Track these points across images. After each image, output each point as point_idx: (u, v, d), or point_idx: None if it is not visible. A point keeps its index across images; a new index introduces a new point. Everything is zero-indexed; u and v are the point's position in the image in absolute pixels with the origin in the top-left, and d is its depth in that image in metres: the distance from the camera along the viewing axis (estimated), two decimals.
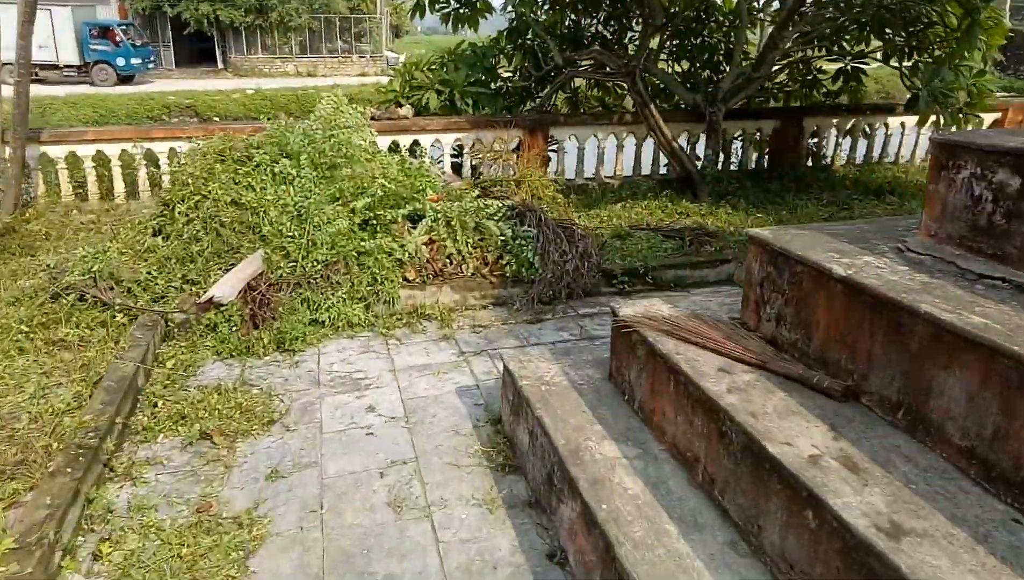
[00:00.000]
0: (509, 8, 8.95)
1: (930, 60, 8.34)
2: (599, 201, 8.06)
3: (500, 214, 5.83)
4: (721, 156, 8.99)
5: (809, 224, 3.05)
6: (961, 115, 8.18)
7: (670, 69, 9.89)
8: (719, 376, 2.70)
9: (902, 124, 9.99)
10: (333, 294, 5.07)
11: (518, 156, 8.22)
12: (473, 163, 8.23)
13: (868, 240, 2.88)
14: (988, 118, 9.80)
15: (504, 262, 5.64)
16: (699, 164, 8.72)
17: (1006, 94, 28.90)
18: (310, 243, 5.16)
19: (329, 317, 5.00)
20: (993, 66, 8.26)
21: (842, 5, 8.66)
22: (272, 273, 5.05)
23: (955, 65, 8.21)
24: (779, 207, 7.89)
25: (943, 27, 8.27)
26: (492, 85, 9.22)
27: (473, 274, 5.62)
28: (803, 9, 8.36)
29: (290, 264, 5.10)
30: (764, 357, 2.78)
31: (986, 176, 2.44)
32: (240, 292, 4.84)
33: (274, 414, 3.91)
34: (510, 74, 9.78)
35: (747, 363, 2.78)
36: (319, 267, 5.10)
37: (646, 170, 9.30)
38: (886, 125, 10.00)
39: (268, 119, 6.30)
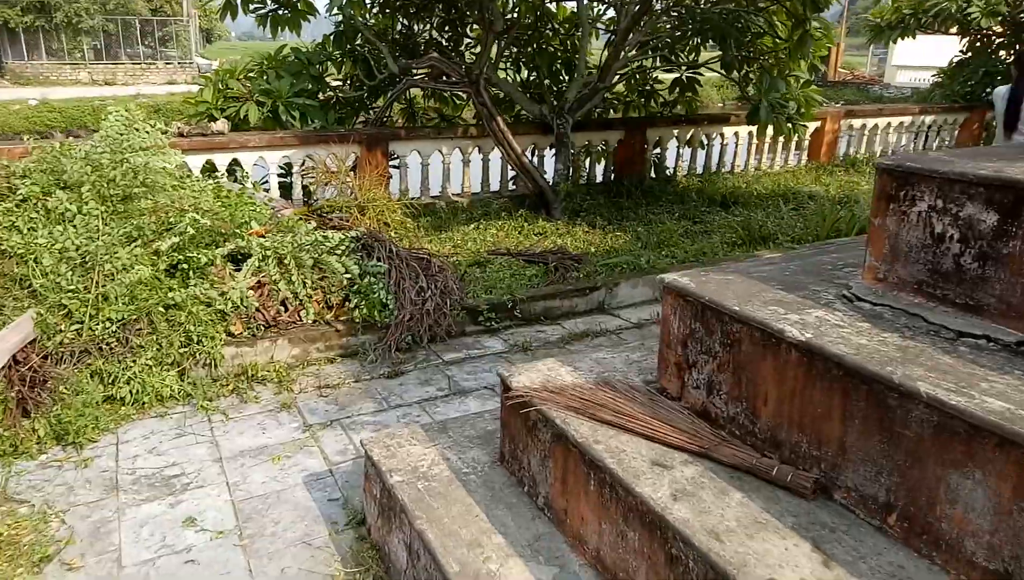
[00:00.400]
0: (335, 10, 8.07)
1: (761, 70, 8.51)
2: (450, 223, 7.40)
3: (344, 247, 5.00)
4: (571, 170, 8.66)
5: (726, 265, 2.59)
6: (790, 124, 8.39)
7: (510, 78, 9.45)
8: (656, 473, 2.12)
9: (735, 134, 10.22)
10: (135, 361, 4.02)
11: (356, 175, 7.38)
12: (305, 184, 7.27)
13: (804, 285, 2.43)
14: (810, 127, 10.27)
15: (352, 305, 4.82)
16: (549, 178, 8.33)
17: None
18: (100, 298, 4.07)
19: (130, 392, 3.95)
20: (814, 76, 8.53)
21: (676, 14, 8.66)
22: (49, 340, 3.91)
23: (785, 75, 8.44)
24: (634, 222, 7.64)
25: (773, 37, 8.47)
26: (321, 95, 8.29)
27: (315, 322, 4.76)
28: (644, 18, 8.22)
29: (74, 327, 3.99)
30: (703, 440, 2.24)
31: (950, 210, 2.04)
32: (2, 369, 3.68)
33: (49, 546, 2.87)
34: (340, 83, 8.88)
35: (685, 450, 2.23)
36: (113, 328, 4.03)
37: (495, 186, 8.78)
38: (722, 135, 10.18)
39: (35, 138, 5.02)
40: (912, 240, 2.15)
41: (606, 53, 8.51)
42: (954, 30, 12.83)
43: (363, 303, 4.80)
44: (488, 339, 5.11)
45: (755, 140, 10.34)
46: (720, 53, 8.76)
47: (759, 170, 10.42)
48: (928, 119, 11.52)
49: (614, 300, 5.71)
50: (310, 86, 8.04)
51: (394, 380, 4.45)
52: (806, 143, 10.79)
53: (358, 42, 8.52)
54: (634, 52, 8.48)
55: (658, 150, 9.83)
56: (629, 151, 9.48)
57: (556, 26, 9.53)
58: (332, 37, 8.45)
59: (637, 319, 5.45)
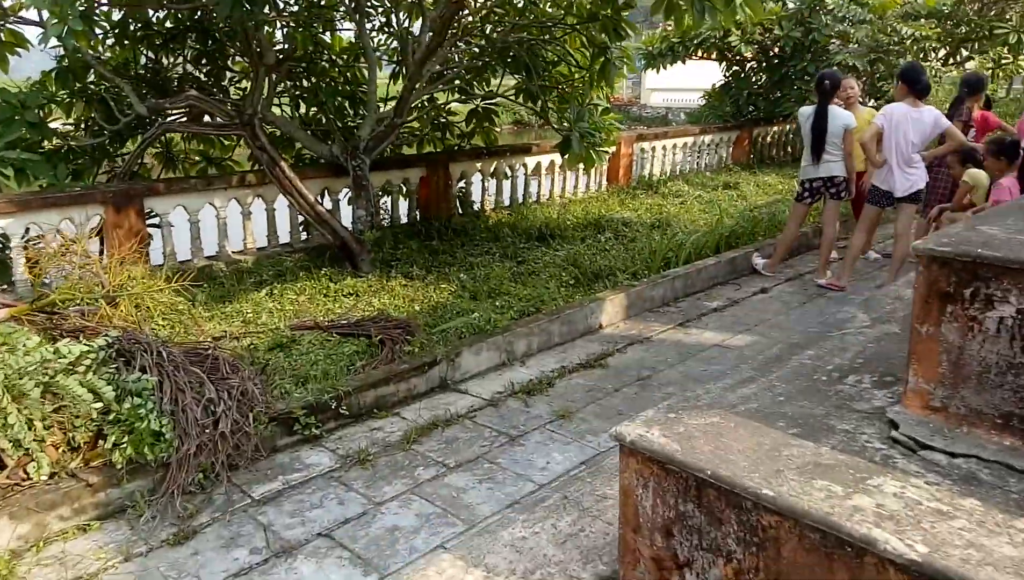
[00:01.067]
0: (52, 41, 6.32)
1: (560, 99, 8.14)
2: (234, 291, 6.04)
3: (89, 361, 3.60)
4: (374, 215, 7.63)
5: (706, 406, 1.81)
6: (594, 151, 8.07)
7: (287, 115, 8.23)
8: None
9: (538, 164, 9.81)
10: None
11: (104, 244, 5.78)
12: (31, 265, 5.53)
13: (826, 425, 1.71)
14: (609, 152, 10.16)
15: (110, 442, 3.44)
16: (349, 225, 7.24)
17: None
18: None
19: None
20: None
21: (473, 44, 8.03)
22: None
23: (587, 104, 8.13)
24: (455, 268, 6.80)
25: (569, 66, 8.13)
26: (44, 145, 6.50)
27: (53, 476, 3.32)
28: (439, 49, 7.45)
29: None
30: None
31: None
32: None
33: None
34: (72, 129, 7.11)
35: None
36: None
37: (284, 237, 7.50)
38: (524, 166, 9.72)
39: None
40: (991, 357, 1.49)
41: (400, 85, 7.63)
42: (714, 55, 13.62)
43: (126, 438, 3.44)
44: (310, 452, 3.96)
45: (559, 169, 10.02)
46: (516, 82, 8.30)
47: (564, 197, 10.10)
48: (707, 138, 12.01)
49: (457, 372, 4.80)
50: (28, 135, 6.24)
51: (183, 546, 3.16)
52: (605, 167, 10.69)
53: (91, 79, 6.85)
54: (426, 84, 7.69)
55: (462, 185, 9.13)
56: (433, 188, 8.66)
57: (334, 57, 8.48)
58: (54, 73, 6.70)
59: (490, 395, 4.58)
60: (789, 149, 13.26)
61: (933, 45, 10.22)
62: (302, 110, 8.40)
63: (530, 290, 6.12)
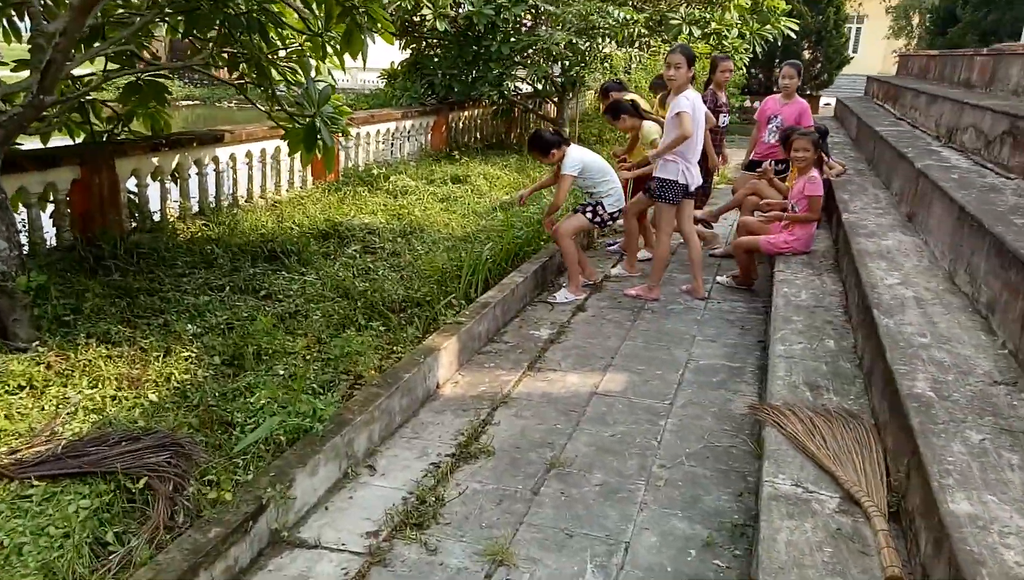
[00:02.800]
0: None
1: (288, 71, 6.29)
2: None
3: None
4: (20, 248, 4.93)
5: None
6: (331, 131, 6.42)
7: None
8: None
9: (232, 156, 7.66)
10: None
11: None
12: None
13: None
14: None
15: None
16: None
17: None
18: None
19: None
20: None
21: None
22: None
23: (314, 80, 6.38)
24: (174, 316, 4.65)
25: (296, 31, 6.28)
26: None
27: None
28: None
29: None
30: None
31: None
32: None
33: None
34: None
35: None
36: None
37: None
38: (215, 160, 7.50)
39: None
40: None
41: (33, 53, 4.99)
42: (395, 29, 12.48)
43: None
44: None
45: (259, 162, 7.98)
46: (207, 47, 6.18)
47: (268, 198, 8.10)
48: (408, 124, 10.88)
49: (291, 513, 3.00)
50: None
51: None
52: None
53: None
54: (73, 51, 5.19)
55: (134, 188, 6.63)
56: (94, 195, 6.09)
57: None
58: None
59: (361, 543, 2.91)
60: (478, 135, 12.83)
61: (640, 31, 10.49)
62: None
63: (326, 348, 4.40)
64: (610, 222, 5.94)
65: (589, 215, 5.71)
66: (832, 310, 4.36)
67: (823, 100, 20.68)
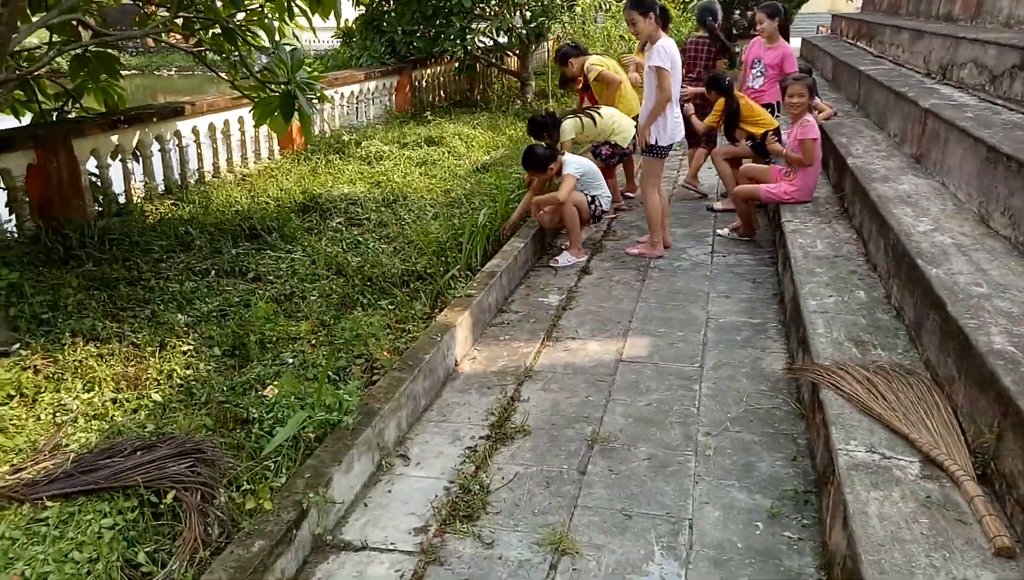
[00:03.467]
0: None
1: (245, 32, 5.87)
2: None
3: None
4: None
5: None
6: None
7: None
8: None
9: (194, 129, 7.21)
10: None
11: None
12: None
13: None
14: None
15: None
16: None
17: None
18: None
19: None
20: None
21: None
22: None
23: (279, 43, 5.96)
24: (162, 306, 4.33)
25: None
26: None
27: None
28: None
29: None
30: None
31: None
32: None
33: None
34: None
35: None
36: None
37: None
38: (178, 134, 7.05)
39: None
40: None
41: None
42: None
43: None
44: None
45: (222, 134, 7.55)
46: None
47: (235, 172, 7.68)
48: (371, 85, 10.42)
49: (331, 515, 2.80)
50: None
51: None
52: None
53: None
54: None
55: (95, 169, 6.18)
56: (53, 179, 5.65)
57: None
58: None
59: (410, 539, 2.73)
60: (442, 93, 12.40)
61: None
62: None
63: (330, 333, 4.15)
64: (602, 217, 5.84)
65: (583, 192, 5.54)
66: (853, 259, 4.26)
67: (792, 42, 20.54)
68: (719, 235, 5.96)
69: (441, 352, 3.80)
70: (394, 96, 11.06)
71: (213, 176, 7.46)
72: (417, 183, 7.24)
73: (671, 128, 5.20)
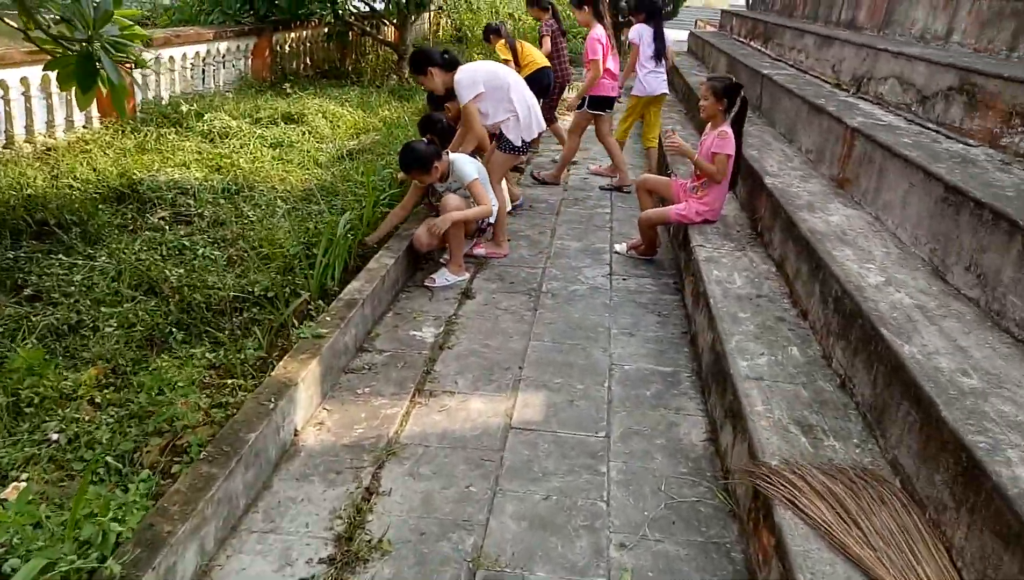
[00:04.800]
0: None
1: None
2: None
3: None
4: None
5: None
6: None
7: None
8: None
9: None
10: None
11: None
12: None
13: None
14: None
15: None
16: None
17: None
18: None
19: None
20: None
21: None
22: None
23: None
24: None
25: None
26: None
27: None
28: None
29: None
30: None
31: None
32: None
33: None
34: None
35: None
36: None
37: None
38: None
39: None
40: None
41: None
42: None
43: None
44: None
45: (19, 94, 6.05)
46: None
47: (36, 144, 6.20)
48: (222, 46, 9.00)
49: None
50: None
51: None
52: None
53: None
54: None
55: None
56: None
57: None
58: None
59: None
60: (308, 61, 11.08)
61: None
62: None
63: (96, 374, 3.06)
64: (487, 230, 5.00)
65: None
66: (778, 302, 3.67)
67: (675, 36, 20.40)
68: (616, 253, 5.28)
69: (274, 424, 2.83)
70: (250, 61, 9.67)
71: (4, 147, 5.97)
72: (268, 170, 6.09)
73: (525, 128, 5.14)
